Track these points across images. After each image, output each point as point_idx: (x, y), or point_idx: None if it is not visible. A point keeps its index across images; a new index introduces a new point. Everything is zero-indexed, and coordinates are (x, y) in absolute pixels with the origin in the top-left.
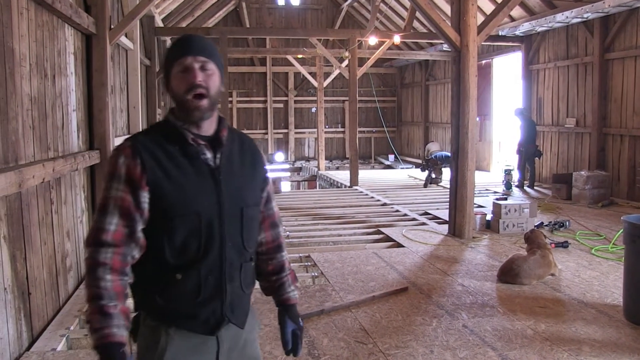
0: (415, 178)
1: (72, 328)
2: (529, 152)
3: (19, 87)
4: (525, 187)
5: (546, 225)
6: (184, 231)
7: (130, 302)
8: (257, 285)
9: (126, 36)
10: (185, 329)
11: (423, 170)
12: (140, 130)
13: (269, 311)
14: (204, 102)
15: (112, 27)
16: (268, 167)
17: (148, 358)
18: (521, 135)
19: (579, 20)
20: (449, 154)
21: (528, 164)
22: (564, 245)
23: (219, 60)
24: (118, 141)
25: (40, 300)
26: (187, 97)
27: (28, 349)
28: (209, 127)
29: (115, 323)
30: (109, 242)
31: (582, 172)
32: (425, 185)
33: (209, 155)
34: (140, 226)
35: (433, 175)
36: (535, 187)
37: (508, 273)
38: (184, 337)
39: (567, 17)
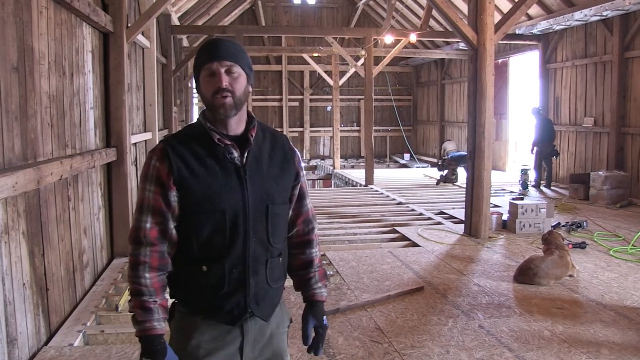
0: (431, 177)
1: (88, 324)
2: (545, 152)
3: (37, 85)
4: (542, 187)
5: (563, 226)
6: (209, 227)
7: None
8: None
9: (143, 34)
10: (210, 319)
11: (440, 170)
12: (157, 126)
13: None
14: (228, 100)
15: (129, 25)
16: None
17: (177, 342)
18: (535, 135)
19: (598, 18)
20: (464, 154)
21: (545, 163)
22: (581, 246)
23: (246, 62)
24: (135, 139)
25: (57, 297)
26: (212, 98)
27: (46, 343)
28: (237, 127)
29: (156, 317)
30: (147, 240)
31: (600, 172)
32: (437, 184)
33: (235, 154)
34: (172, 224)
35: (449, 175)
36: (552, 187)
37: (526, 273)
38: (210, 326)
39: (585, 15)
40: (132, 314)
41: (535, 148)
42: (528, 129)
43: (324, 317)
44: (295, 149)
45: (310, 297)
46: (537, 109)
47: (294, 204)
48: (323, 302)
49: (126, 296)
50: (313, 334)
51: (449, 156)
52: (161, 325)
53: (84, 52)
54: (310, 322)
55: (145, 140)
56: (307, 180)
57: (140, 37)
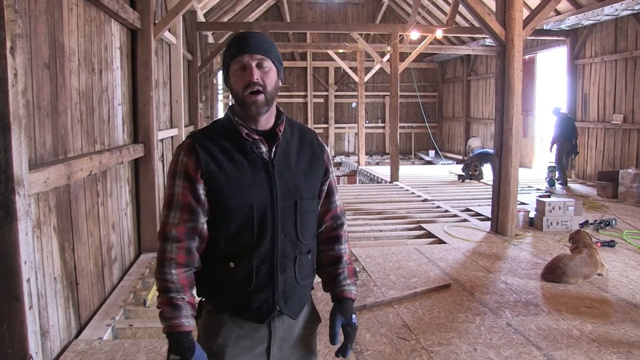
0: (456, 174)
1: (117, 318)
2: (565, 149)
3: (68, 81)
4: (568, 184)
5: (591, 224)
6: (237, 222)
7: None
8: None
9: (169, 31)
10: (238, 316)
11: (464, 169)
12: (183, 122)
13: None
14: (260, 97)
15: (156, 22)
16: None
17: (204, 340)
18: (555, 132)
19: (629, 12)
20: (488, 151)
21: (565, 160)
22: (610, 244)
23: (277, 56)
24: (161, 135)
25: (87, 291)
26: (245, 94)
27: (76, 336)
28: (266, 122)
29: (184, 314)
30: (173, 236)
31: (630, 170)
32: (462, 181)
33: (263, 149)
34: (203, 219)
35: (472, 172)
36: (577, 185)
37: (554, 271)
38: (237, 324)
39: (616, 9)
40: (159, 310)
41: (554, 146)
42: (548, 127)
43: (353, 315)
44: (325, 145)
45: (339, 295)
46: (558, 108)
47: (322, 200)
48: (352, 300)
49: (154, 291)
50: (341, 334)
51: (472, 154)
52: (189, 322)
53: (112, 49)
54: (338, 321)
55: (172, 137)
56: None
57: (167, 34)
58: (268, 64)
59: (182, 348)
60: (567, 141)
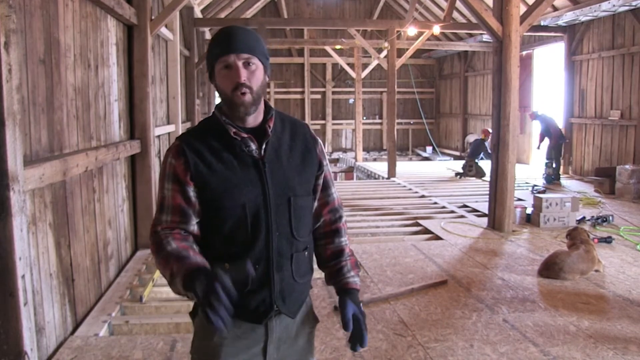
0: (454, 170)
1: (113, 315)
2: (556, 146)
3: (63, 77)
4: (551, 180)
5: (588, 220)
6: (230, 222)
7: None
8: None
9: (166, 27)
10: (234, 317)
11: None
12: (179, 118)
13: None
14: (248, 97)
15: (152, 18)
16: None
17: (200, 339)
18: (545, 129)
19: (627, 8)
20: (477, 139)
21: (555, 157)
22: (607, 240)
23: (263, 52)
24: (158, 131)
25: (83, 287)
26: (233, 94)
27: (72, 333)
28: (254, 119)
29: (192, 256)
30: (167, 225)
31: (627, 166)
32: (459, 177)
33: (253, 146)
34: (194, 220)
35: (467, 171)
36: (574, 181)
37: (551, 267)
38: (234, 323)
39: (613, 5)
40: (170, 279)
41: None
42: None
43: (361, 304)
44: (317, 138)
45: (345, 286)
46: (536, 112)
47: (319, 194)
48: (358, 290)
49: (150, 287)
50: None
51: (468, 150)
52: (203, 261)
53: (108, 45)
54: (349, 307)
55: (169, 133)
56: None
57: (163, 30)
58: (255, 62)
59: (204, 279)
60: (556, 138)
